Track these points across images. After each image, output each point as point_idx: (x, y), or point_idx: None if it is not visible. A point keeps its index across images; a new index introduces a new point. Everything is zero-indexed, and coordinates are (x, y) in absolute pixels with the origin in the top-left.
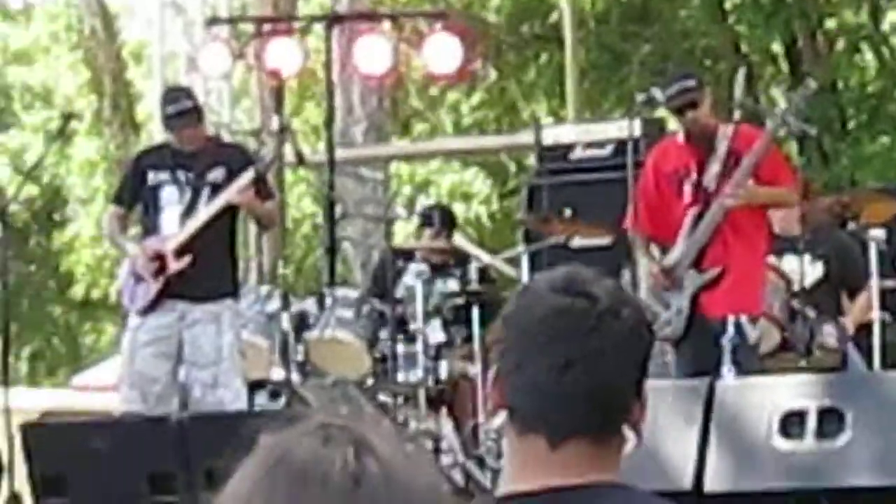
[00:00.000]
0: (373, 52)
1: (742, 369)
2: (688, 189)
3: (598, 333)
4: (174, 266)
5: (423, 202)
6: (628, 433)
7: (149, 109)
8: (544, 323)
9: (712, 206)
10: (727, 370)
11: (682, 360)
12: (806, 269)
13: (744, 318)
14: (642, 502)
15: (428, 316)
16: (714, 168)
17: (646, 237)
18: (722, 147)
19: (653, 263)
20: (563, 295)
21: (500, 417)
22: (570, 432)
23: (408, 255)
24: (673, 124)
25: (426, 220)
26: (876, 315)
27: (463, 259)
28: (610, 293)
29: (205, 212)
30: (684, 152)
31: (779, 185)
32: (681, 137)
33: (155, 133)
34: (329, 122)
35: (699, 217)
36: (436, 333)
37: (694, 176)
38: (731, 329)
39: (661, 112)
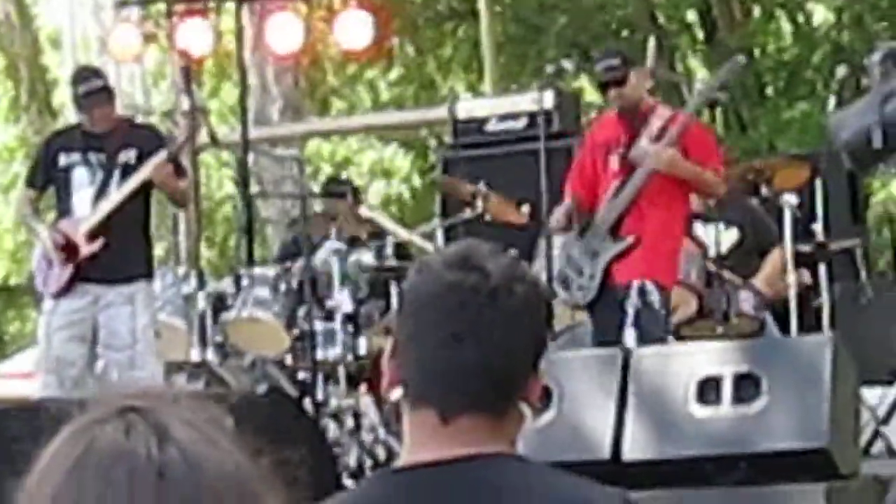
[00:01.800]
0: (285, 31)
1: (645, 333)
2: (614, 160)
3: (490, 309)
4: (86, 249)
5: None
6: (525, 409)
7: (65, 95)
8: (436, 298)
9: (635, 173)
10: (628, 334)
11: (594, 328)
12: (721, 237)
13: (649, 284)
14: (534, 472)
15: (329, 286)
16: (644, 142)
17: (577, 200)
18: (655, 124)
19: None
20: (457, 270)
21: (397, 392)
22: (462, 407)
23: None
24: (590, 96)
25: (331, 193)
26: (791, 279)
27: (378, 233)
28: (504, 269)
29: (117, 193)
30: (616, 125)
31: (707, 168)
32: (614, 111)
33: (72, 118)
34: (242, 101)
35: (621, 187)
36: (346, 304)
37: (622, 148)
38: (633, 293)
39: (576, 83)
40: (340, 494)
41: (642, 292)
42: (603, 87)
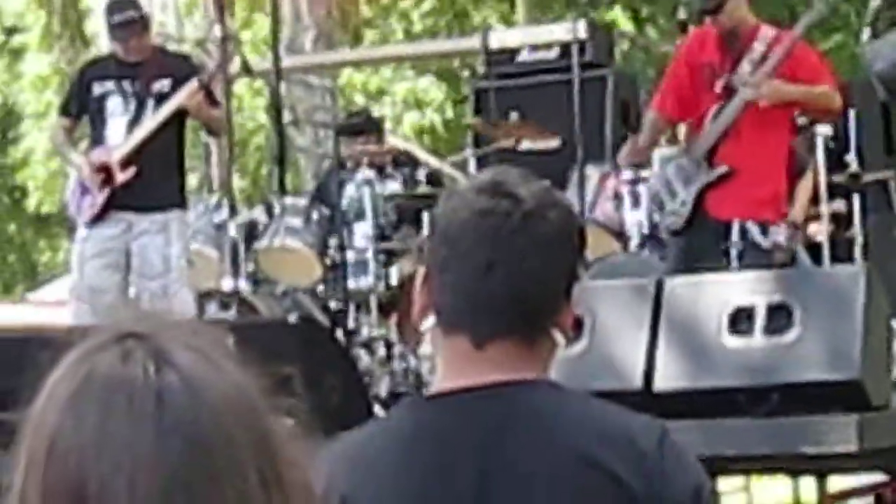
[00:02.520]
0: None
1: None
2: (719, 84)
3: (522, 235)
4: (120, 177)
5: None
6: (558, 336)
7: (98, 23)
8: (468, 224)
9: (732, 101)
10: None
11: (679, 254)
12: None
13: (750, 223)
14: (569, 398)
15: (360, 216)
16: (745, 68)
17: (667, 121)
18: (758, 48)
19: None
20: (488, 197)
21: (430, 320)
22: (495, 333)
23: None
24: (623, 26)
25: (352, 128)
26: (824, 209)
27: (405, 162)
28: (536, 195)
29: (151, 121)
30: (719, 47)
31: (817, 85)
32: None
33: (104, 47)
34: (275, 29)
35: (719, 112)
36: (377, 233)
37: (725, 73)
38: (735, 234)
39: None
40: (373, 421)
41: (744, 233)
42: (702, 15)
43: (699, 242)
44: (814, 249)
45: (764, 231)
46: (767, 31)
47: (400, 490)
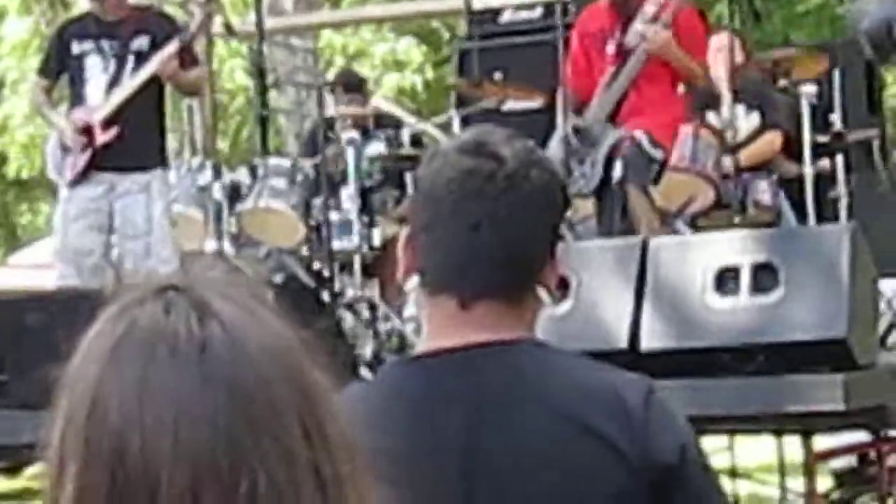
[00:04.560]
0: None
1: (630, 165)
2: (611, 48)
3: (506, 195)
4: (101, 138)
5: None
6: (543, 294)
7: None
8: (452, 185)
9: (631, 57)
10: (616, 165)
11: (598, 216)
12: (740, 123)
13: (640, 133)
14: (556, 357)
15: (343, 178)
16: (637, 27)
17: (574, 97)
18: (650, 9)
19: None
20: (472, 156)
21: (414, 281)
22: (480, 293)
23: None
24: None
25: (338, 87)
26: (808, 170)
27: (388, 123)
28: (519, 154)
29: (130, 82)
30: (609, 13)
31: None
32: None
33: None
34: None
35: (616, 73)
36: (360, 194)
37: (617, 35)
38: (625, 142)
39: None
40: (361, 382)
41: (632, 138)
42: None
43: (612, 200)
44: (798, 207)
45: (652, 142)
46: None
47: (388, 449)
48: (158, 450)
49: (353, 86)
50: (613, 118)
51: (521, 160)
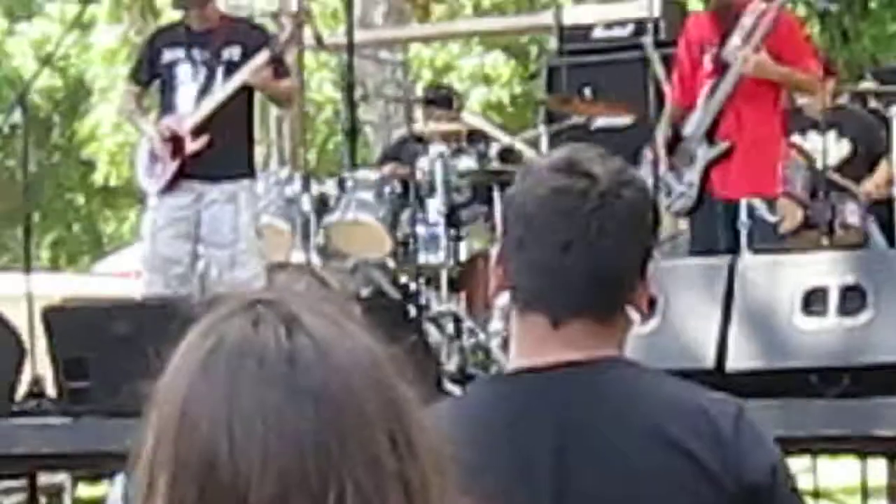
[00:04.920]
0: None
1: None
2: (707, 60)
3: (599, 213)
4: (191, 146)
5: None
6: (633, 314)
7: None
8: (545, 203)
9: (726, 75)
10: (745, 254)
11: (692, 235)
12: (830, 148)
13: (757, 201)
14: (647, 377)
15: (432, 191)
16: (735, 41)
17: (678, 108)
18: (748, 21)
19: (661, 135)
20: (564, 175)
21: (504, 297)
22: (572, 311)
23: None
24: (695, 5)
25: (430, 103)
26: None
27: (478, 138)
28: (612, 173)
29: (221, 91)
30: (710, 24)
31: (798, 68)
32: (710, 9)
33: (173, 18)
34: (349, 3)
35: (714, 88)
36: (449, 208)
37: (715, 48)
38: (743, 214)
39: None
40: (452, 398)
41: (751, 212)
42: None
43: (710, 223)
44: (887, 230)
45: (770, 206)
46: (758, 4)
47: (478, 466)
48: (247, 461)
49: (443, 100)
50: (711, 135)
51: (613, 179)
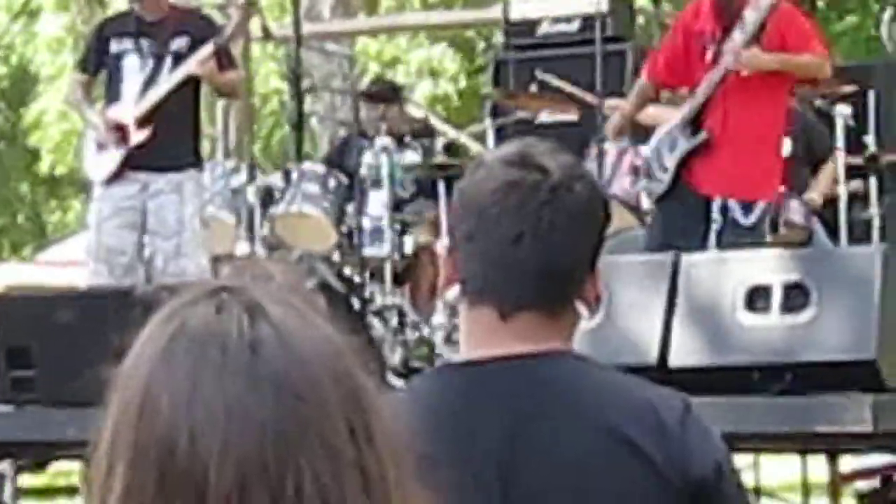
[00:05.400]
0: None
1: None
2: (710, 54)
3: (550, 207)
4: (136, 136)
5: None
6: (582, 308)
7: None
8: (496, 196)
9: (714, 69)
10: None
11: (660, 225)
12: None
13: (732, 202)
14: (593, 370)
15: (377, 185)
16: (737, 35)
17: (656, 86)
18: (750, 16)
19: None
20: (517, 168)
21: (454, 291)
22: (521, 304)
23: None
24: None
25: (371, 97)
26: (842, 190)
27: (422, 132)
28: (563, 167)
29: (167, 82)
30: (712, 15)
31: (805, 53)
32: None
33: (120, 8)
34: None
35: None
36: (393, 201)
37: (717, 42)
38: (716, 211)
39: None
40: (400, 388)
41: (724, 210)
42: None
43: (681, 214)
44: (830, 228)
45: (746, 209)
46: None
47: (427, 455)
48: (207, 448)
49: (387, 95)
50: (694, 125)
51: (565, 173)
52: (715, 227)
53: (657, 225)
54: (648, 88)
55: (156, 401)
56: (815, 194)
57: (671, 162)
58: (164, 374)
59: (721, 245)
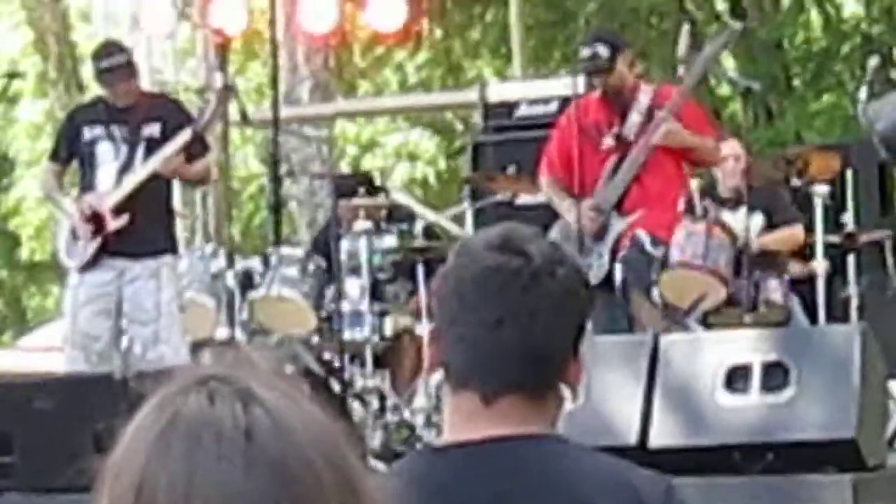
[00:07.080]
0: (317, 11)
1: (631, 270)
2: (609, 141)
3: (532, 292)
4: (112, 224)
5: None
6: (566, 391)
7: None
8: (478, 280)
9: (633, 150)
10: (616, 269)
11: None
12: (750, 224)
13: (642, 233)
14: (576, 453)
15: (356, 269)
16: (634, 118)
17: (559, 182)
18: (644, 101)
19: (581, 203)
20: (499, 253)
21: (438, 375)
22: (504, 389)
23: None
24: None
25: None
26: (820, 269)
27: (399, 216)
28: (545, 252)
29: (141, 171)
30: (602, 106)
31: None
32: (598, 94)
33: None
34: (274, 80)
35: (618, 165)
36: (372, 285)
37: (615, 127)
38: (626, 242)
39: None
40: (382, 471)
41: (633, 239)
42: (590, 74)
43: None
44: (809, 307)
45: (654, 242)
46: (648, 87)
47: None
48: None
49: (360, 187)
50: (618, 209)
51: (546, 258)
52: (623, 251)
53: (604, 311)
54: (557, 183)
55: (152, 491)
56: (770, 241)
57: (605, 247)
58: (160, 463)
59: (627, 264)
